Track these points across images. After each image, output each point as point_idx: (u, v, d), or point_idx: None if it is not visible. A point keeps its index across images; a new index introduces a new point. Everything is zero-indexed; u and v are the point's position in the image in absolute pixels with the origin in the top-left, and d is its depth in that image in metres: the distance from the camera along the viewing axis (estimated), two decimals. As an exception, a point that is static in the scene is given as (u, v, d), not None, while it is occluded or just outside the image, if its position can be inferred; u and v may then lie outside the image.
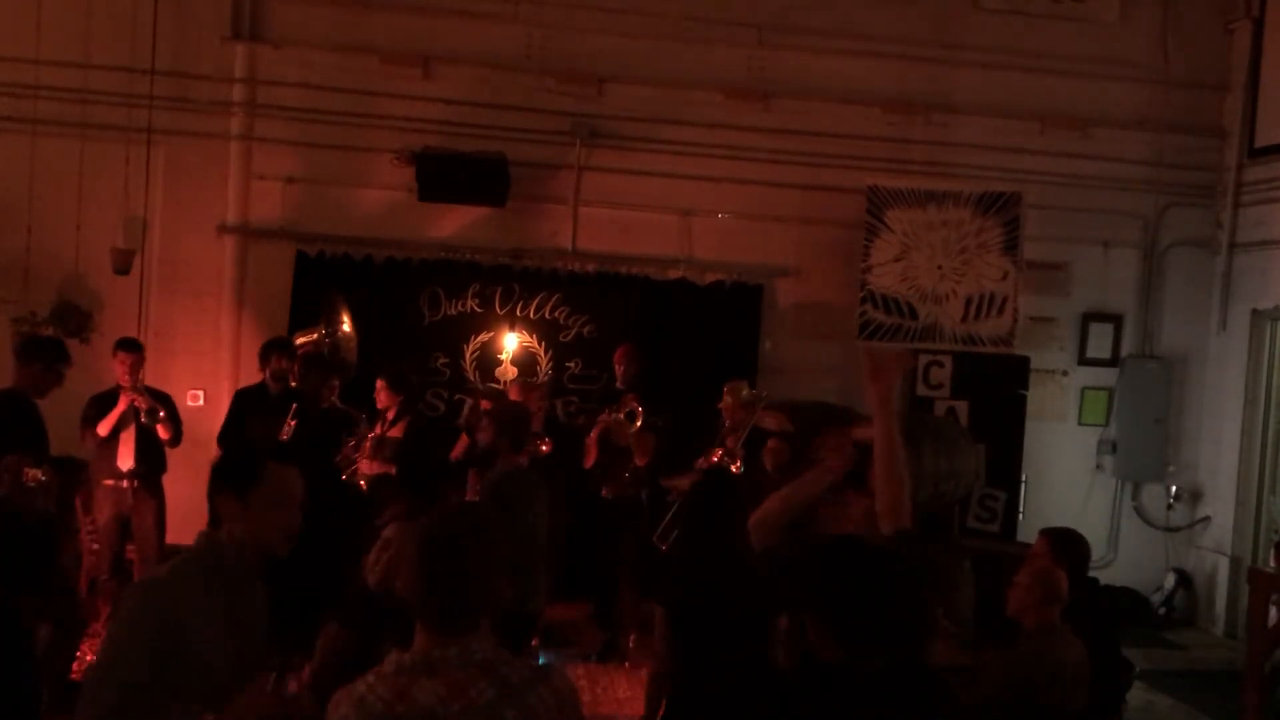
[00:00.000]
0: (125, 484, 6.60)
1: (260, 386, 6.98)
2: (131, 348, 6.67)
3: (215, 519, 2.68)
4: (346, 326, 7.34)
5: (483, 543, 2.22)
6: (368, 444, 6.70)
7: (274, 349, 6.97)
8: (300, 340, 7.26)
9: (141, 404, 6.55)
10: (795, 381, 8.12)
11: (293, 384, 6.87)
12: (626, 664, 6.69)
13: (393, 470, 6.77)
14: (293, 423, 6.57)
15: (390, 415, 6.89)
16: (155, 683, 2.48)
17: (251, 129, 7.94)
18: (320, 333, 7.29)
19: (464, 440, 7.25)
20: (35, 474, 5.72)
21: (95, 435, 6.54)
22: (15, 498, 5.23)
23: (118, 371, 6.61)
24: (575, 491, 7.15)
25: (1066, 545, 4.50)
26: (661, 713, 3.91)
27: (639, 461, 6.90)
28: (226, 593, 2.63)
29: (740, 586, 3.79)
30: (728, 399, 7.08)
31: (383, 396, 6.88)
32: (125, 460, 6.60)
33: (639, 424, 6.89)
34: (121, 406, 6.54)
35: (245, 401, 6.95)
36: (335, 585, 4.31)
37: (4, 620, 3.20)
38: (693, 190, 8.30)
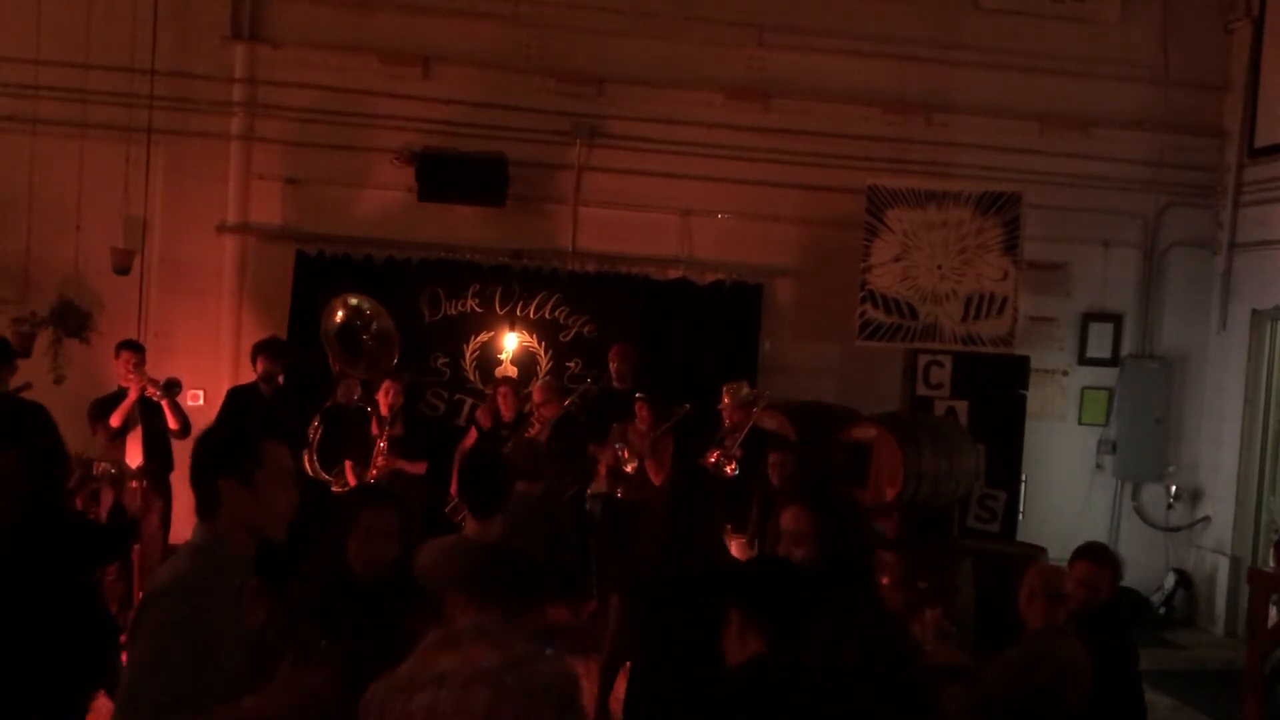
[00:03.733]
0: (134, 484, 6.62)
1: (253, 386, 7.00)
2: (134, 347, 6.77)
3: (210, 509, 2.50)
4: (370, 313, 7.14)
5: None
6: (384, 443, 6.72)
7: (261, 350, 6.99)
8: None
9: (153, 390, 6.60)
10: (795, 381, 8.12)
11: (314, 382, 6.86)
12: (628, 664, 6.67)
13: (403, 466, 6.84)
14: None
15: (389, 415, 6.92)
16: (187, 695, 2.35)
17: (251, 129, 7.94)
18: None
19: (473, 434, 7.29)
20: (105, 467, 5.79)
21: (107, 429, 6.57)
22: (81, 491, 5.30)
23: (120, 371, 6.64)
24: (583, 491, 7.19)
25: (1109, 556, 4.53)
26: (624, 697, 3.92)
27: (656, 480, 6.86)
28: (232, 586, 2.53)
29: (701, 584, 3.79)
30: (726, 399, 7.07)
31: (389, 396, 6.91)
32: (134, 457, 6.63)
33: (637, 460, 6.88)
34: (133, 396, 6.60)
35: (238, 401, 6.97)
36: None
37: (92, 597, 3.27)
38: (693, 190, 8.30)
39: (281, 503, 2.57)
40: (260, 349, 7.05)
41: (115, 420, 6.57)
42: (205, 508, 2.52)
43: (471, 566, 2.52)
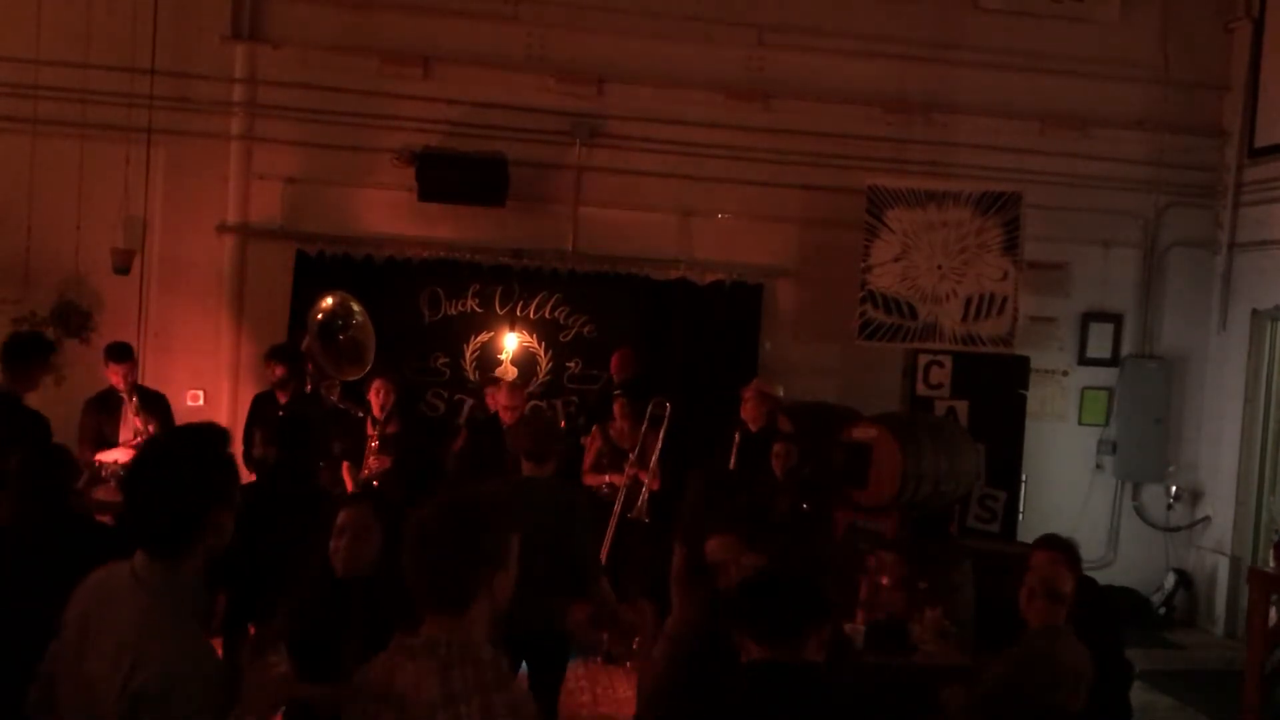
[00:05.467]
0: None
1: (271, 392, 7.01)
2: (123, 356, 6.58)
3: (187, 544, 2.24)
4: (358, 319, 7.15)
5: (469, 528, 2.27)
6: (374, 442, 6.73)
7: (269, 356, 6.98)
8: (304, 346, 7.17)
9: (143, 434, 6.52)
10: (795, 381, 8.12)
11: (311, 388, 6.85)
12: (627, 664, 6.69)
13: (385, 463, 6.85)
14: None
15: (383, 415, 6.95)
16: None
17: (251, 129, 7.94)
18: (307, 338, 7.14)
19: (463, 435, 7.30)
20: (114, 468, 5.75)
21: (89, 450, 6.46)
22: (88, 490, 5.28)
23: (112, 379, 6.61)
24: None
25: (1069, 549, 4.53)
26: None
27: (655, 487, 6.88)
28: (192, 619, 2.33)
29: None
30: (750, 391, 7.07)
31: (381, 396, 6.91)
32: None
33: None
34: (128, 450, 6.47)
35: (257, 407, 7.00)
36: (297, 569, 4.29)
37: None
38: (693, 190, 8.30)
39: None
40: (270, 354, 7.00)
41: (103, 458, 6.44)
42: (180, 543, 2.22)
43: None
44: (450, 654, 2.22)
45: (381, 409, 6.92)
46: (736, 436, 6.93)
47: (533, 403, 7.93)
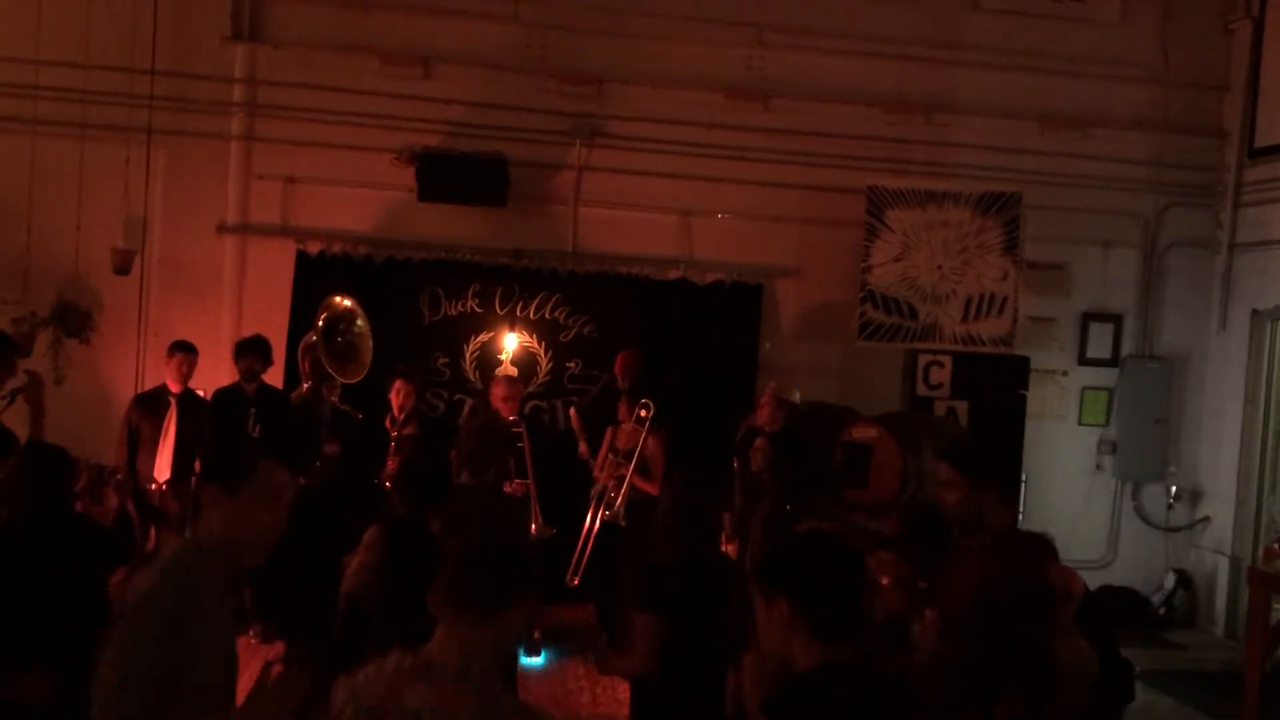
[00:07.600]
0: (154, 486, 6.67)
1: (236, 386, 7.03)
2: (189, 348, 6.96)
3: (197, 513, 2.54)
4: (360, 323, 7.19)
5: (513, 546, 2.40)
6: (392, 443, 6.74)
7: (244, 349, 7.02)
8: (304, 343, 7.22)
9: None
10: (795, 381, 8.10)
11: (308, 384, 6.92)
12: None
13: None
14: (257, 425, 6.67)
15: (401, 415, 6.98)
16: (162, 699, 2.34)
17: (251, 129, 7.94)
18: (313, 336, 7.19)
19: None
20: (116, 474, 5.81)
21: (125, 447, 6.67)
22: (87, 495, 5.30)
23: (169, 373, 6.91)
24: (582, 494, 7.18)
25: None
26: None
27: (652, 491, 6.87)
28: (213, 594, 2.49)
29: (723, 592, 3.81)
30: (768, 394, 7.05)
31: (400, 396, 6.94)
32: (162, 471, 6.72)
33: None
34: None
35: (221, 401, 7.01)
36: (323, 581, 4.32)
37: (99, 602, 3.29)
38: (693, 190, 8.30)
39: (261, 523, 2.52)
40: (245, 348, 7.07)
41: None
42: (195, 512, 2.55)
43: (445, 571, 2.36)
44: (484, 675, 2.21)
45: (401, 410, 6.94)
46: (739, 435, 6.91)
47: (532, 403, 7.93)
